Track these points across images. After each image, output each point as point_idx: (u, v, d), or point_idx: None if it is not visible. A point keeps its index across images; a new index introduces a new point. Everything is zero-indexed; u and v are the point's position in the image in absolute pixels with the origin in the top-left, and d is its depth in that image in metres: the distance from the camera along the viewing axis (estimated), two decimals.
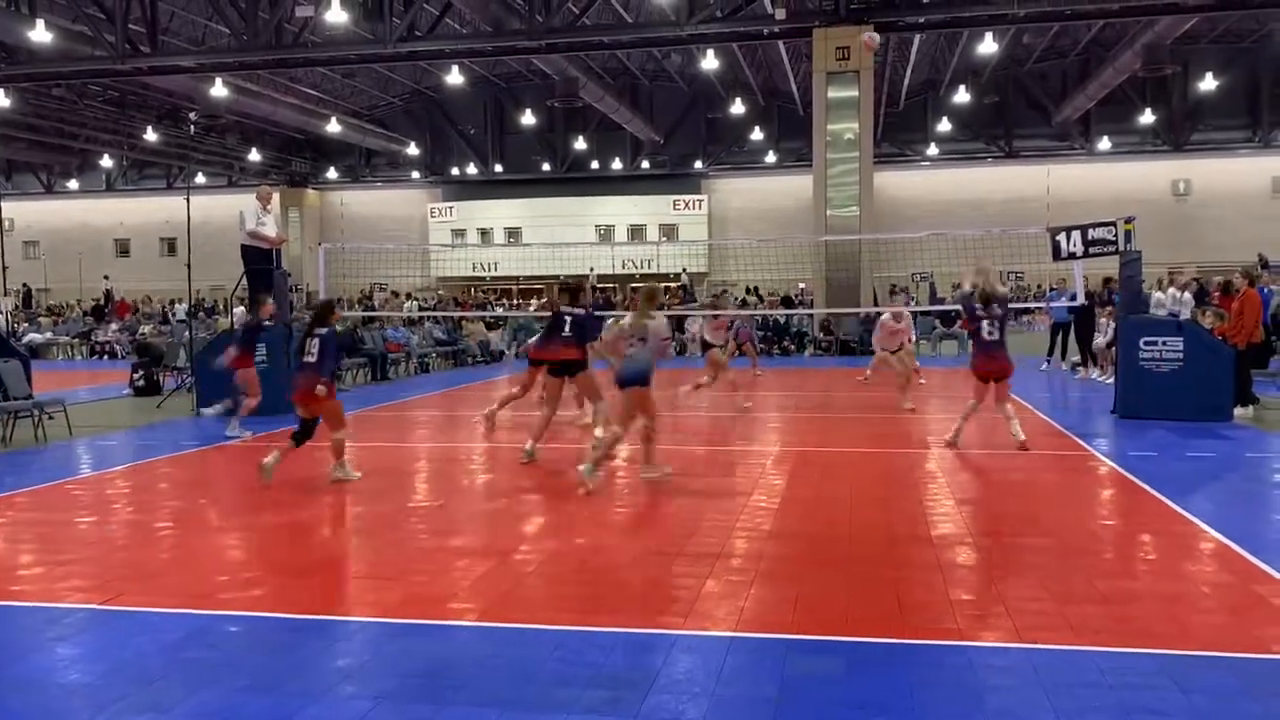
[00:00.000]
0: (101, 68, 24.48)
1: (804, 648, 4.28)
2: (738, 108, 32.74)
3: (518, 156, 39.75)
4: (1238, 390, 11.39)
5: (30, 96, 29.30)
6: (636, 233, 37.21)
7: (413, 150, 39.31)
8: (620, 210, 37.83)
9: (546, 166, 39.35)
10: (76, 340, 29.57)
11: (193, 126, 31.71)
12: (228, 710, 3.72)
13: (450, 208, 40.07)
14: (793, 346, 24.97)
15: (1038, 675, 3.92)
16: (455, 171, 40.24)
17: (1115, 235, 11.64)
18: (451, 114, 39.79)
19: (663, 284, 34.49)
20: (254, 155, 37.71)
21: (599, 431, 8.68)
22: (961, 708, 3.67)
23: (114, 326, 29.96)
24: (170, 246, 40.80)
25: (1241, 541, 5.82)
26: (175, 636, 4.50)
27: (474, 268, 38.75)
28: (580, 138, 37.80)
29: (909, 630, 4.45)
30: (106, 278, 37.31)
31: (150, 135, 33.85)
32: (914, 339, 13.48)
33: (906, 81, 33.09)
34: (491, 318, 26.84)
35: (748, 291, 28.64)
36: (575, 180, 38.83)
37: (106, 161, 40.20)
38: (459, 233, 39.64)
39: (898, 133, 36.23)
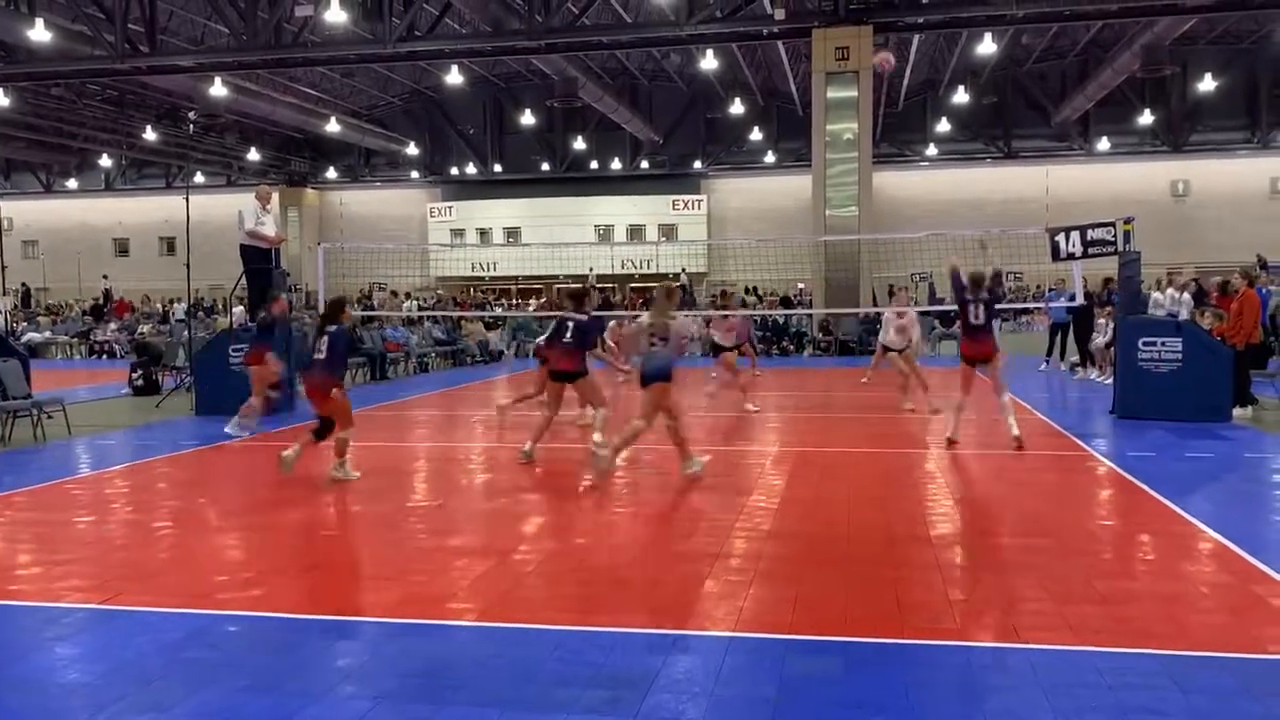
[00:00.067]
0: (100, 67, 24.47)
1: (803, 648, 4.28)
2: (737, 108, 32.75)
3: (517, 156, 39.74)
4: (1236, 391, 11.40)
5: (29, 96, 29.29)
6: (636, 233, 37.21)
7: (412, 150, 39.31)
8: (619, 210, 37.82)
9: (546, 166, 39.35)
10: (75, 340, 29.57)
11: (192, 126, 31.69)
12: (228, 710, 3.72)
13: (449, 207, 40.06)
14: (792, 347, 24.99)
15: (1036, 675, 3.93)
16: (454, 171, 40.24)
17: (1114, 236, 11.65)
18: (451, 114, 39.79)
19: (661, 284, 34.61)
20: (253, 155, 37.69)
21: (598, 437, 8.65)
22: (960, 708, 3.68)
23: (113, 326, 29.95)
24: (169, 246, 40.78)
25: (1240, 542, 5.82)
26: (175, 636, 4.50)
27: (473, 267, 38.75)
28: (579, 138, 37.80)
29: (908, 630, 4.45)
30: (105, 277, 37.30)
31: (149, 135, 33.84)
32: (916, 338, 13.42)
33: (905, 82, 33.09)
34: (490, 317, 26.85)
35: (747, 291, 28.64)
36: (574, 180, 38.83)
37: (105, 161, 40.19)
38: (458, 232, 39.64)
39: (897, 133, 36.24)
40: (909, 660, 4.14)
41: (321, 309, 14.61)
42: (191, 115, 28.68)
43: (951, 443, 9.81)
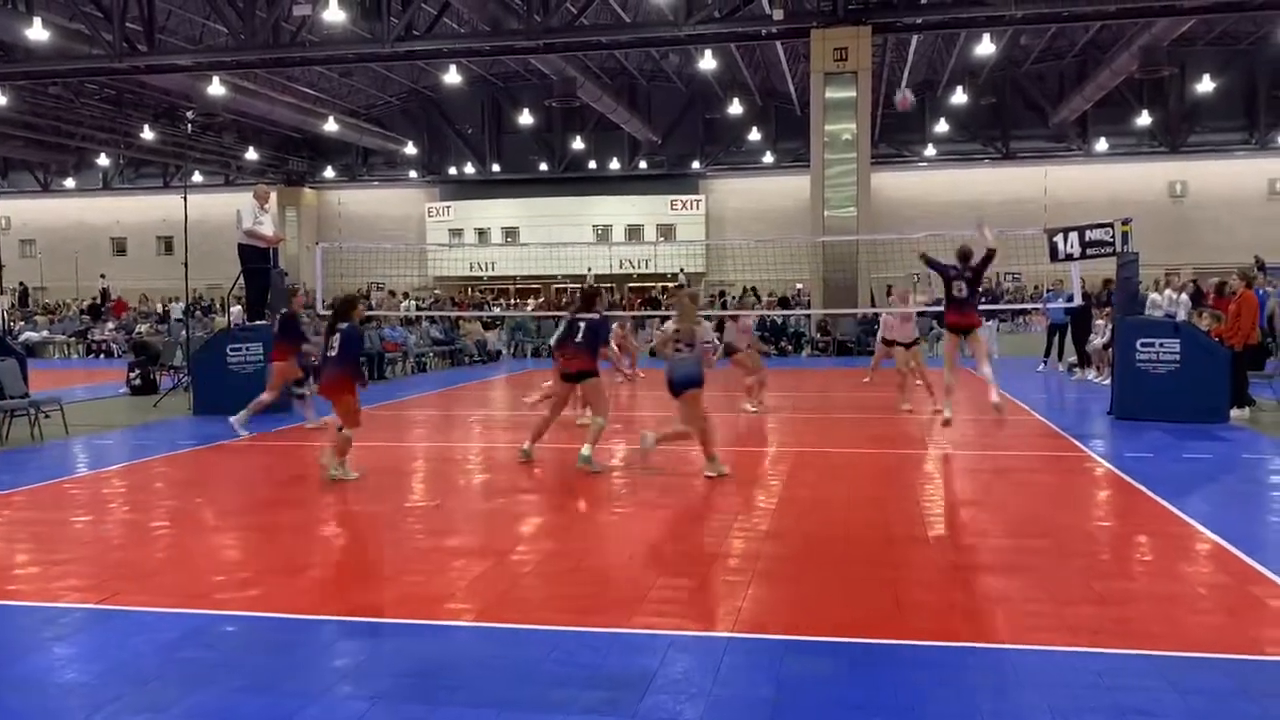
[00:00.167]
0: (98, 66, 24.45)
1: (801, 648, 4.28)
2: (735, 108, 32.75)
3: (515, 156, 39.72)
4: (1234, 392, 11.41)
5: (27, 95, 29.24)
6: (634, 233, 37.20)
7: (410, 150, 39.28)
8: (618, 210, 37.81)
9: (544, 166, 39.33)
10: (73, 339, 29.54)
11: (190, 125, 31.60)
12: (224, 710, 3.72)
13: (448, 207, 40.03)
14: (790, 347, 25.00)
15: (1034, 676, 3.93)
16: (453, 171, 40.21)
17: (1112, 237, 11.65)
18: (449, 113, 39.77)
19: (660, 284, 34.62)
20: (251, 154, 37.65)
21: (586, 450, 8.52)
22: (958, 708, 3.68)
23: (110, 325, 29.93)
24: (167, 245, 40.72)
25: (1238, 543, 5.83)
26: (171, 636, 4.49)
27: (471, 267, 38.72)
28: (578, 137, 37.79)
29: (906, 631, 4.45)
30: (103, 276, 37.25)
31: (147, 134, 33.79)
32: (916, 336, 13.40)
33: (904, 82, 33.08)
34: (489, 317, 26.85)
35: (745, 292, 28.62)
36: (573, 180, 38.81)
37: (103, 160, 40.14)
38: (456, 232, 39.61)
39: (895, 133, 36.23)
40: (907, 661, 4.14)
41: (319, 309, 14.66)
42: (189, 114, 28.61)
43: (946, 422, 9.90)
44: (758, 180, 37.61)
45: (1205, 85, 31.18)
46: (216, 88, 26.62)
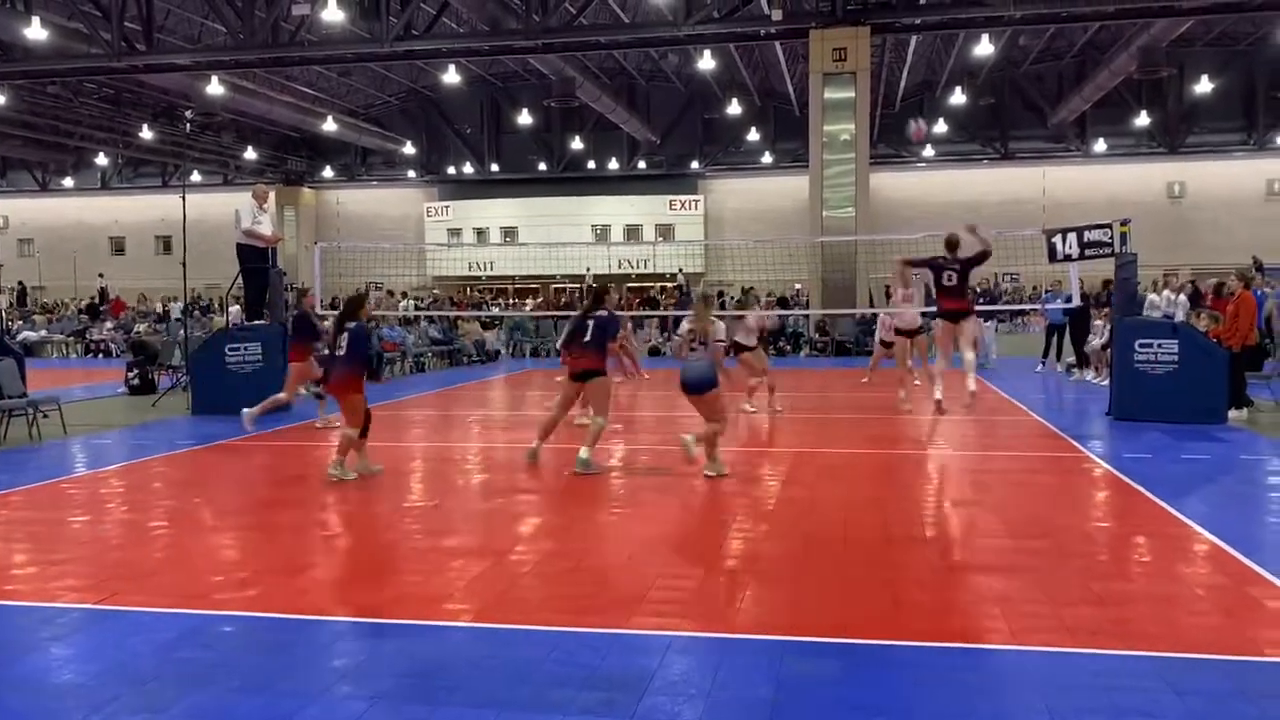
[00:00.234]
0: (97, 65, 24.40)
1: (800, 649, 4.28)
2: (734, 108, 32.74)
3: (514, 156, 39.71)
4: (1232, 393, 11.42)
5: (25, 94, 29.20)
6: (633, 233, 37.19)
7: (409, 149, 39.26)
8: (616, 210, 37.80)
9: (543, 166, 39.32)
10: (71, 338, 29.51)
11: (188, 125, 31.58)
12: (222, 711, 3.72)
13: (446, 207, 40.02)
14: (788, 347, 25.00)
15: (1032, 677, 3.93)
16: (451, 171, 40.19)
17: (1111, 237, 11.65)
18: (448, 113, 39.75)
19: (658, 284, 34.61)
20: (249, 154, 37.62)
21: (584, 452, 8.50)
22: (957, 710, 3.68)
23: (109, 325, 29.90)
24: (165, 245, 40.67)
25: (1235, 544, 5.83)
26: (169, 636, 4.49)
27: (470, 267, 38.71)
28: (577, 137, 37.77)
29: (904, 632, 4.45)
30: (101, 276, 37.20)
31: (146, 133, 33.74)
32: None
33: (903, 83, 33.10)
34: (487, 317, 26.85)
35: (743, 292, 28.60)
36: (571, 180, 38.80)
37: (102, 159, 40.09)
38: (455, 232, 39.59)
39: (894, 134, 36.21)
40: (906, 662, 4.15)
41: (317, 308, 14.65)
42: (188, 114, 28.57)
43: (940, 410, 9.96)
44: (756, 180, 37.61)
45: (1204, 86, 31.20)
46: (215, 87, 26.60)
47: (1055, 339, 18.60)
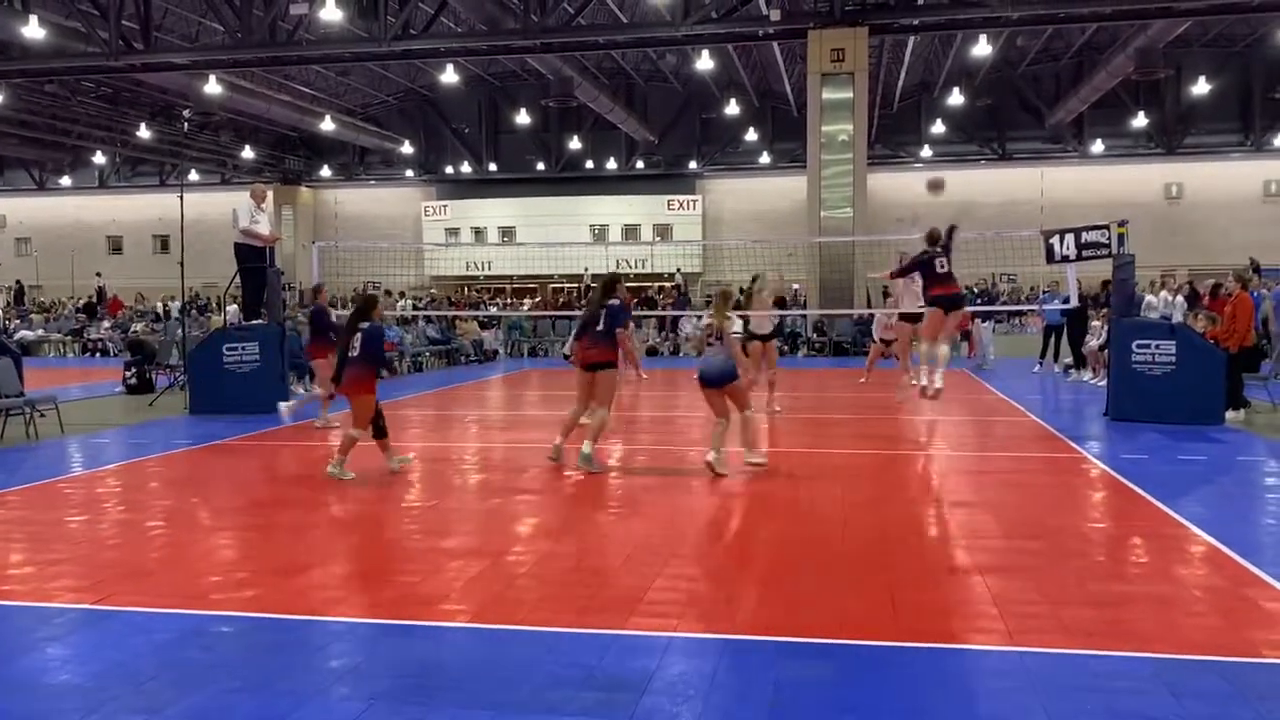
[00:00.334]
0: (95, 64, 24.38)
1: (798, 650, 4.29)
2: (732, 109, 32.76)
3: (512, 156, 39.70)
4: (1229, 394, 11.43)
5: (23, 92, 29.16)
6: (631, 233, 37.19)
7: (407, 149, 39.24)
8: (615, 210, 37.79)
9: (541, 166, 39.30)
10: (68, 338, 29.47)
11: (186, 124, 31.59)
12: (220, 711, 3.71)
13: (444, 206, 40.00)
14: (786, 347, 25.00)
15: (1030, 678, 3.93)
16: (449, 170, 40.17)
17: (1108, 238, 11.67)
18: (446, 113, 39.73)
19: (656, 284, 34.59)
20: (247, 153, 37.59)
21: (587, 447, 8.55)
22: (955, 711, 3.68)
23: (106, 324, 29.87)
24: (163, 244, 40.63)
25: (1232, 545, 5.84)
26: (167, 637, 4.49)
27: (468, 267, 38.71)
28: (575, 137, 37.77)
29: (902, 633, 4.45)
30: (99, 275, 37.16)
31: (143, 132, 33.71)
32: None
33: (900, 83, 33.13)
34: (485, 317, 26.84)
35: (741, 292, 28.60)
36: (570, 180, 38.79)
37: (99, 158, 40.04)
38: (453, 231, 39.57)
39: (891, 134, 36.26)
40: (904, 663, 4.15)
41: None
42: (186, 113, 28.60)
43: (926, 394, 10.07)
44: (754, 180, 37.62)
45: (1201, 87, 31.25)
46: (213, 86, 26.57)
47: (1053, 340, 18.61)
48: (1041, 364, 18.75)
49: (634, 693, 3.81)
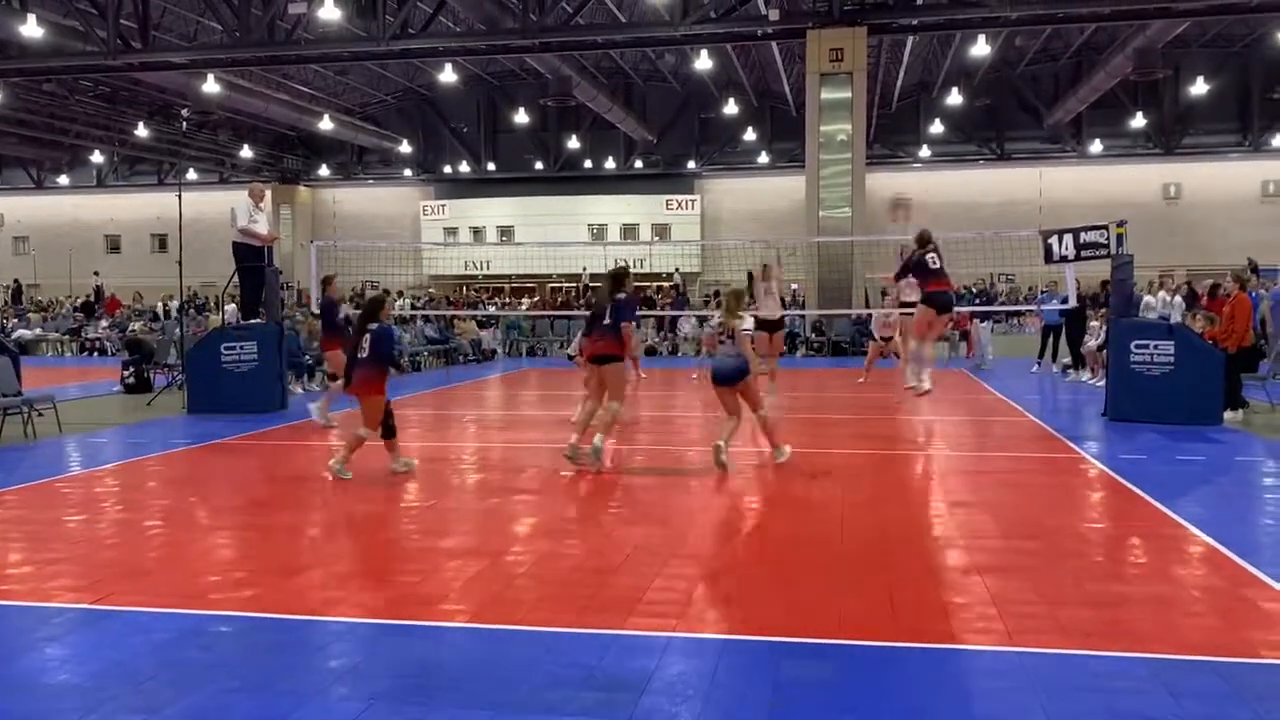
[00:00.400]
0: (93, 63, 24.36)
1: (797, 651, 4.29)
2: (731, 108, 32.76)
3: (510, 155, 39.69)
4: (1227, 394, 11.44)
5: (21, 91, 29.13)
6: (629, 232, 37.18)
7: (405, 148, 39.23)
8: (613, 210, 37.80)
9: (539, 165, 39.30)
10: (66, 337, 29.44)
11: (184, 123, 31.56)
12: (219, 711, 3.71)
13: (443, 206, 39.99)
14: (785, 348, 24.99)
15: (1029, 679, 3.94)
16: (448, 169, 40.16)
17: (1107, 238, 11.68)
18: (444, 112, 39.72)
19: (654, 284, 34.58)
20: (245, 152, 37.57)
21: (598, 439, 8.55)
22: (954, 711, 3.69)
23: (104, 323, 29.83)
24: (161, 243, 40.60)
25: (1231, 545, 5.85)
26: (166, 637, 4.48)
27: (466, 266, 38.69)
28: (573, 137, 37.77)
29: (902, 634, 4.46)
30: (97, 274, 37.13)
31: (141, 131, 33.68)
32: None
33: (899, 83, 33.14)
34: (484, 316, 26.84)
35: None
36: (568, 179, 38.79)
37: (97, 157, 40.00)
38: (451, 231, 39.56)
39: (890, 134, 36.27)
40: (903, 663, 4.15)
41: (313, 308, 14.64)
42: (184, 112, 28.59)
43: (916, 390, 10.17)
44: (753, 180, 37.63)
45: (1199, 87, 31.29)
46: (211, 85, 26.55)
47: (1051, 340, 18.63)
48: (1040, 364, 18.76)
49: (633, 693, 3.81)
